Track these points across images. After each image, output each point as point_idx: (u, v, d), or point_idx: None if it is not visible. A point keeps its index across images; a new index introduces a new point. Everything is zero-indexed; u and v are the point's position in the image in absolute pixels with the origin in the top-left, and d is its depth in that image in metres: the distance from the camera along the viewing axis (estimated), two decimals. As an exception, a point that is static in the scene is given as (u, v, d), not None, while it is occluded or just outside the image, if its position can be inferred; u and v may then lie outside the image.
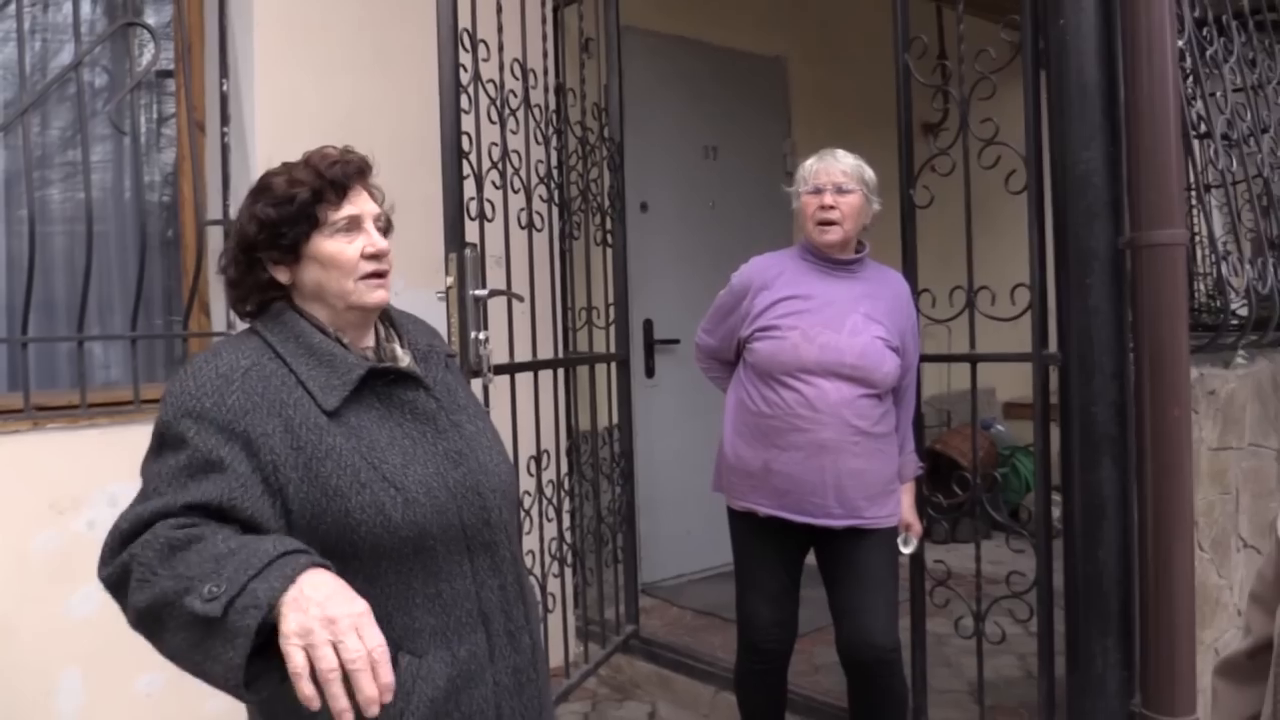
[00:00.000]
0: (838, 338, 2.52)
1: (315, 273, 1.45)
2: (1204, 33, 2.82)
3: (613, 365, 3.75)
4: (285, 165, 1.47)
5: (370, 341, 1.53)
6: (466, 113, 2.79)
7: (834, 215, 2.57)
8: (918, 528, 2.72)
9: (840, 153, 2.65)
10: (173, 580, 1.14)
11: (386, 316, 1.58)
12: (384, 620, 1.28)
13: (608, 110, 3.67)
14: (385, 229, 1.53)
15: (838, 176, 2.59)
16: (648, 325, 4.43)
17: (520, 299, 2.92)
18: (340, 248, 1.44)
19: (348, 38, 3.26)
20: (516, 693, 1.48)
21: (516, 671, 1.48)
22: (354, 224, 1.45)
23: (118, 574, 1.23)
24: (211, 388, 1.33)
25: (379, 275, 1.46)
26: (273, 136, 3.09)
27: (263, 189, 1.46)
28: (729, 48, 4.79)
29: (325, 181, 1.43)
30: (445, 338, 1.75)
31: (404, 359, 1.52)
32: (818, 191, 2.60)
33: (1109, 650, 2.34)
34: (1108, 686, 2.35)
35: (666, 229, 4.53)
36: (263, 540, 1.20)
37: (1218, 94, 2.89)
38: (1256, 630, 0.92)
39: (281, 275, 1.46)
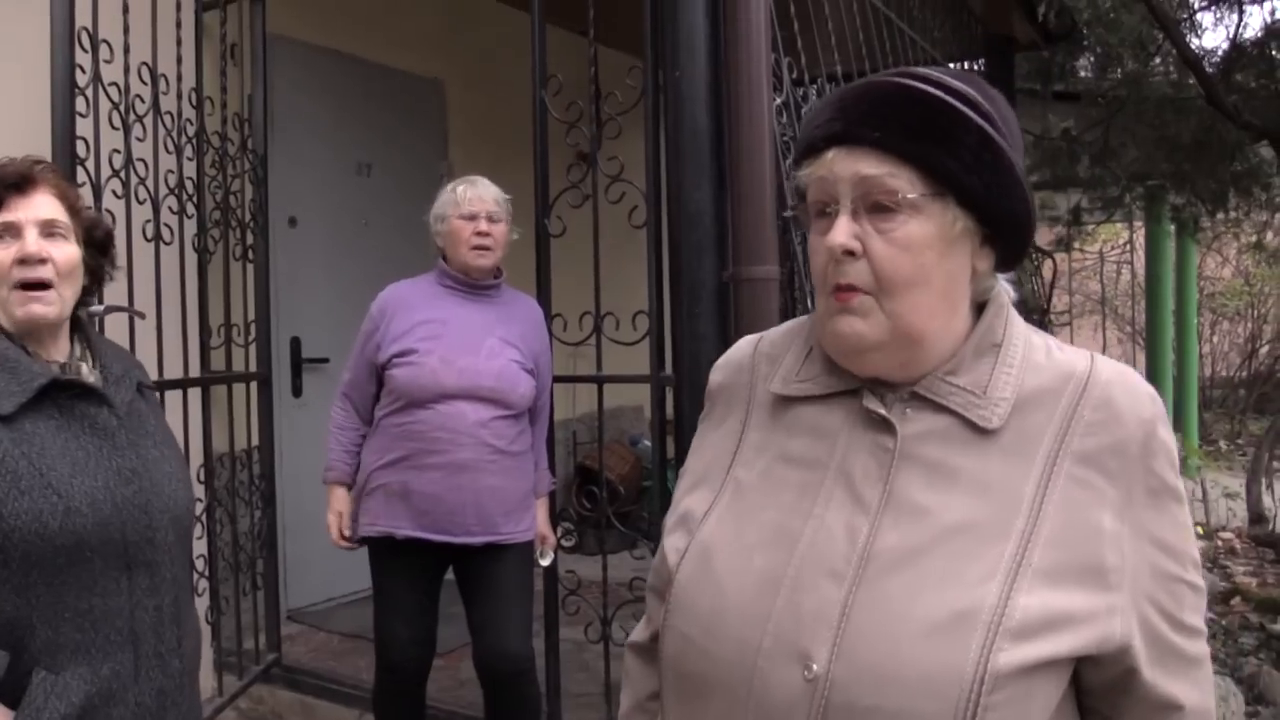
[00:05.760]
0: (475, 360, 2.60)
1: None
2: (801, 92, 3.18)
3: (253, 384, 3.62)
4: None
5: (62, 355, 1.53)
6: (84, 116, 2.63)
7: (489, 242, 2.67)
8: (552, 540, 2.86)
9: (485, 181, 2.77)
10: None
11: (84, 336, 1.58)
12: (27, 632, 1.38)
13: (251, 121, 3.55)
14: (87, 238, 1.54)
15: (490, 205, 2.70)
16: (295, 343, 4.29)
17: (142, 316, 2.74)
18: None
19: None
20: (158, 715, 1.50)
21: (162, 694, 1.50)
22: (9, 230, 1.44)
23: None
24: None
25: (35, 286, 1.44)
26: None
27: None
28: (386, 65, 4.75)
29: None
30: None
31: (90, 377, 1.52)
32: (472, 218, 2.67)
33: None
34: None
35: (317, 245, 4.42)
36: None
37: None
38: (656, 620, 1.12)
39: None
